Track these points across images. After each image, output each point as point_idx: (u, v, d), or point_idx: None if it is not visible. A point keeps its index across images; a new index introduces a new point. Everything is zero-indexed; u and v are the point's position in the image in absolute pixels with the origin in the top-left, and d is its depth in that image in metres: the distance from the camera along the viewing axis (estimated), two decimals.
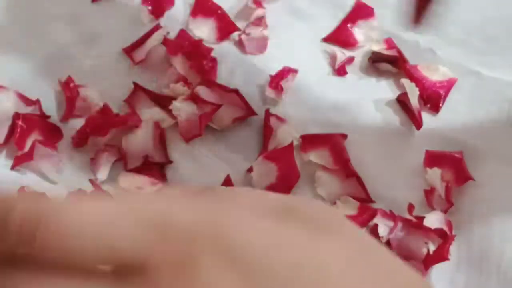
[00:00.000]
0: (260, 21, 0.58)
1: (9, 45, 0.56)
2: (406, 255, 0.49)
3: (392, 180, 0.52)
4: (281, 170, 0.52)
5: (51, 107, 0.53)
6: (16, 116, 0.51)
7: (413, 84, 0.54)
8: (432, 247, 0.49)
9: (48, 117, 0.52)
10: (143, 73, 0.56)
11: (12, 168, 0.50)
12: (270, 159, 0.52)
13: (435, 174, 0.52)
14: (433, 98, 0.55)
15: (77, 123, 0.53)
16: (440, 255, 0.49)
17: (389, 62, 0.56)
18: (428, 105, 0.55)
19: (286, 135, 0.54)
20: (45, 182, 0.51)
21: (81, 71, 0.55)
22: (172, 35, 0.58)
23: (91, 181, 0.50)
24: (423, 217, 0.50)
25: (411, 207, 0.51)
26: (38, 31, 0.56)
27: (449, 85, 0.55)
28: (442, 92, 0.55)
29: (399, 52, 0.56)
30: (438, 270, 0.49)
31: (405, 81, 0.54)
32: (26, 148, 0.50)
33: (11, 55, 0.55)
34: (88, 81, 0.54)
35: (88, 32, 0.57)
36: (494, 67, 0.56)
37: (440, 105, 0.55)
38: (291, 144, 0.52)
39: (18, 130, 0.50)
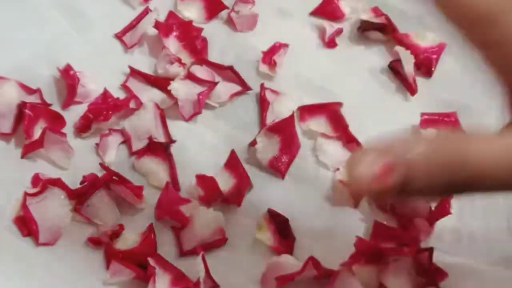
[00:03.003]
0: None
1: (4, 35, 0.56)
2: (411, 214, 0.51)
3: None
4: (283, 142, 0.53)
5: (50, 95, 0.54)
6: (23, 105, 0.51)
7: (408, 51, 0.55)
8: (434, 204, 0.51)
9: (50, 105, 0.53)
10: (137, 57, 0.57)
11: (23, 156, 0.51)
12: (273, 131, 0.53)
13: (431, 135, 0.54)
14: (425, 64, 0.57)
15: (78, 110, 0.53)
16: (443, 210, 0.51)
17: (378, 30, 0.58)
18: (421, 71, 0.56)
19: (283, 107, 0.56)
20: (55, 169, 0.51)
21: (76, 57, 0.55)
22: (162, 17, 0.58)
23: (101, 164, 0.51)
24: None
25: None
26: (32, 20, 0.57)
27: (440, 49, 0.57)
28: (434, 57, 0.57)
29: (388, 19, 0.58)
30: (442, 223, 0.51)
31: (399, 49, 0.56)
32: (35, 136, 0.50)
33: (7, 46, 0.55)
34: (83, 68, 0.55)
35: (81, 19, 0.57)
36: None
37: (433, 69, 0.57)
38: (292, 116, 0.53)
39: (27, 118, 0.50)
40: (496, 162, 0.29)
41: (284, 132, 0.53)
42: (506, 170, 0.29)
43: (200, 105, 0.54)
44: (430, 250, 0.49)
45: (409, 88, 0.56)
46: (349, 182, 0.32)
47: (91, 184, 0.49)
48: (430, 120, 0.54)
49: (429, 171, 0.30)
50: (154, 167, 0.52)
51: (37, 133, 0.51)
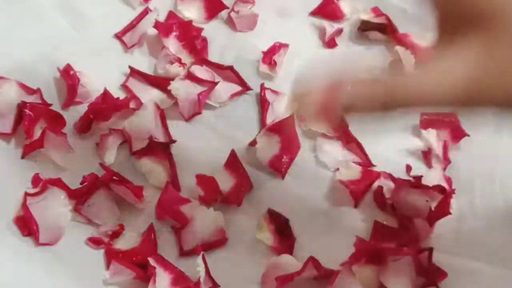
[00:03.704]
0: None
1: (4, 35, 0.56)
2: (411, 214, 0.51)
3: (390, 144, 0.54)
4: (283, 141, 0.53)
5: (50, 95, 0.54)
6: (24, 105, 0.51)
7: (408, 51, 0.55)
8: (434, 204, 0.51)
9: (50, 105, 0.53)
10: (137, 57, 0.57)
11: (23, 156, 0.51)
12: (273, 131, 0.53)
13: (431, 134, 0.54)
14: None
15: (78, 110, 0.53)
16: (443, 210, 0.51)
17: (378, 30, 0.58)
18: None
19: (283, 107, 0.56)
20: (55, 169, 0.51)
21: (77, 58, 0.55)
22: (162, 17, 0.59)
23: (101, 164, 0.51)
24: (421, 176, 0.52)
25: (408, 168, 0.53)
26: (32, 21, 0.57)
27: None
28: None
29: (388, 19, 0.58)
30: (442, 224, 0.51)
31: (399, 49, 0.56)
32: (35, 136, 0.50)
33: (7, 46, 0.55)
34: (84, 68, 0.55)
35: (81, 19, 0.57)
36: None
37: None
38: (292, 116, 0.53)
39: (27, 118, 0.50)
40: (422, 88, 0.34)
41: (284, 132, 0.53)
42: (431, 93, 0.34)
43: (200, 105, 0.54)
44: (430, 250, 0.49)
45: None
46: (300, 104, 0.36)
47: (91, 184, 0.49)
48: (430, 120, 0.54)
49: (372, 91, 0.34)
50: (154, 167, 0.52)
51: (37, 133, 0.51)
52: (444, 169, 0.53)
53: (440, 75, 0.33)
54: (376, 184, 0.52)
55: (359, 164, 0.53)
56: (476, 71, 0.33)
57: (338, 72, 0.35)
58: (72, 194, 0.49)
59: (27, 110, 0.50)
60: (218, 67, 0.56)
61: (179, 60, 0.56)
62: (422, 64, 0.36)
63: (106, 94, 0.54)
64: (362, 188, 0.52)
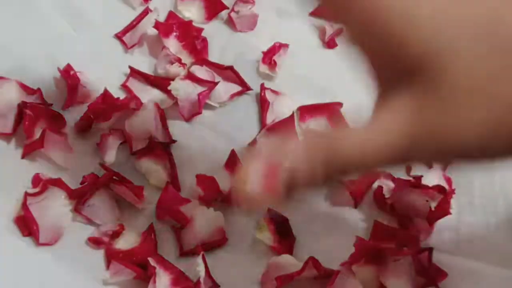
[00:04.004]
0: None
1: (5, 35, 0.56)
2: (411, 214, 0.51)
3: None
4: None
5: (50, 95, 0.54)
6: (24, 105, 0.51)
7: None
8: (434, 204, 0.51)
9: (51, 105, 0.53)
10: (137, 57, 0.57)
11: (23, 156, 0.51)
12: (273, 131, 0.53)
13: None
14: None
15: (79, 110, 0.53)
16: (442, 210, 0.51)
17: None
18: None
19: (283, 107, 0.56)
20: (56, 169, 0.51)
21: (77, 58, 0.55)
22: (162, 18, 0.59)
23: (102, 164, 0.51)
24: (421, 176, 0.52)
25: (408, 168, 0.53)
26: (32, 21, 0.57)
27: None
28: None
29: None
30: (442, 224, 0.51)
31: None
32: (35, 136, 0.50)
33: (7, 46, 0.55)
34: (84, 68, 0.55)
35: (81, 19, 0.57)
36: None
37: None
38: (292, 116, 0.53)
39: (27, 118, 0.50)
40: (361, 150, 0.33)
41: (284, 132, 0.53)
42: (370, 156, 0.33)
43: (200, 105, 0.54)
44: (430, 250, 0.49)
45: None
46: (241, 194, 0.35)
47: (91, 184, 0.49)
48: None
49: (310, 168, 0.34)
50: (154, 167, 0.52)
51: (37, 133, 0.51)
52: (444, 169, 0.53)
53: (376, 134, 0.33)
54: (376, 184, 0.52)
55: None
56: (410, 128, 0.32)
57: (275, 155, 0.35)
58: (72, 194, 0.49)
59: (27, 110, 0.50)
60: (218, 67, 0.56)
61: (179, 60, 0.56)
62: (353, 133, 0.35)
63: (106, 94, 0.54)
64: (362, 188, 0.52)
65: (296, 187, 0.34)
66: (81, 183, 0.50)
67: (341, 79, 0.57)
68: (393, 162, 0.34)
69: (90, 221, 0.49)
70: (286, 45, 0.58)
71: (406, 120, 0.32)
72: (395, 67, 0.33)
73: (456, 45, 0.31)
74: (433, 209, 0.51)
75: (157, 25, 0.57)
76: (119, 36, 0.57)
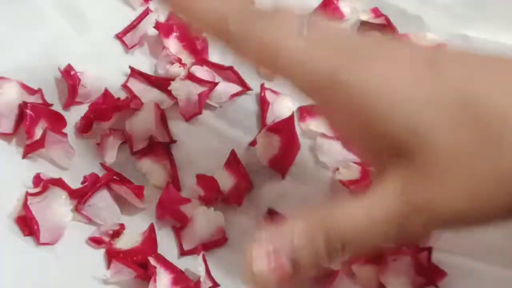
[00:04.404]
0: None
1: (5, 36, 0.56)
2: None
3: None
4: (283, 141, 0.53)
5: (51, 95, 0.54)
6: (25, 105, 0.51)
7: None
8: None
9: (51, 105, 0.53)
10: (138, 57, 0.57)
11: (24, 156, 0.51)
12: (273, 131, 0.53)
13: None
14: None
15: (79, 110, 0.53)
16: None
17: (378, 31, 0.58)
18: None
19: (283, 107, 0.56)
20: (56, 169, 0.51)
21: (77, 58, 0.55)
22: (162, 18, 0.59)
23: (102, 164, 0.51)
24: None
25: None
26: (33, 21, 0.57)
27: None
28: None
29: (387, 20, 0.58)
30: None
31: None
32: (36, 136, 0.51)
33: (8, 46, 0.55)
34: (84, 68, 0.55)
35: (81, 20, 0.58)
36: (479, 30, 0.58)
37: None
38: (292, 116, 0.54)
39: (28, 118, 0.50)
40: (356, 226, 0.34)
41: (284, 132, 0.53)
42: (364, 232, 0.34)
43: (200, 105, 0.54)
44: (429, 249, 0.49)
45: None
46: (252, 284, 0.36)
47: (92, 184, 0.49)
48: None
49: (311, 249, 0.35)
50: (155, 167, 0.52)
51: (38, 133, 0.51)
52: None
53: (372, 209, 0.35)
54: None
55: (359, 164, 0.53)
56: (404, 205, 0.34)
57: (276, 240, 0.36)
58: (73, 194, 0.49)
59: (28, 110, 0.51)
60: (218, 68, 0.56)
61: (179, 61, 0.56)
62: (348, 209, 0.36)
63: (106, 94, 0.54)
64: (362, 188, 0.52)
65: (303, 268, 0.35)
66: (81, 183, 0.50)
67: None
68: (390, 236, 0.35)
69: (90, 221, 0.50)
70: None
71: (399, 198, 0.34)
72: (381, 150, 0.35)
73: (432, 126, 0.33)
74: None
75: (157, 25, 0.57)
76: (119, 37, 0.57)
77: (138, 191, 0.50)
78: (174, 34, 0.57)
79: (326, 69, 0.35)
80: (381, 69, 0.35)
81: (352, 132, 0.37)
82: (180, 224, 0.50)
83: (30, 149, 0.51)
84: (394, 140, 0.34)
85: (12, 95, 0.52)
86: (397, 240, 0.38)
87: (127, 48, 0.57)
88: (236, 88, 0.56)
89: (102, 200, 0.50)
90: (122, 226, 0.49)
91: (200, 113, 0.54)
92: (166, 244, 0.50)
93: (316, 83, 0.36)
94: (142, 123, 0.53)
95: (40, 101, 0.53)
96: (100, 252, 0.49)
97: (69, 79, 0.54)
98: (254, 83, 0.56)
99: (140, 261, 0.48)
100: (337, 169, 0.53)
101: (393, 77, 0.34)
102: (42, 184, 0.49)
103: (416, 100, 0.34)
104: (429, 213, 0.34)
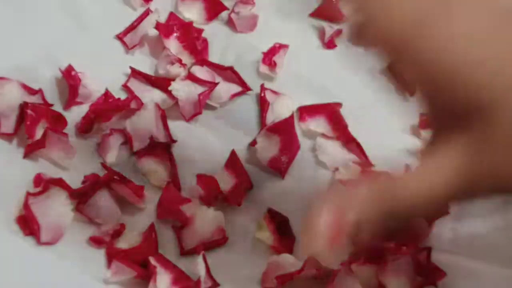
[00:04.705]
0: None
1: (6, 36, 0.56)
2: None
3: (390, 144, 0.55)
4: (283, 141, 0.53)
5: (52, 95, 0.54)
6: (25, 105, 0.51)
7: None
8: None
9: (52, 105, 0.53)
10: (138, 57, 0.57)
11: (25, 156, 0.51)
12: (273, 132, 0.53)
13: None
14: None
15: (80, 110, 0.54)
16: (441, 210, 0.51)
17: None
18: None
19: (283, 107, 0.56)
20: (57, 169, 0.51)
21: (78, 58, 0.55)
22: (162, 18, 0.59)
23: (103, 164, 0.51)
24: None
25: (407, 168, 0.53)
26: (34, 21, 0.57)
27: None
28: None
29: None
30: (441, 223, 0.51)
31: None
32: (37, 136, 0.51)
33: (9, 46, 0.55)
34: (85, 69, 0.55)
35: (82, 20, 0.58)
36: None
37: None
38: (292, 116, 0.54)
39: (29, 118, 0.51)
40: (415, 192, 0.34)
41: (284, 132, 0.54)
42: (423, 197, 0.34)
43: (200, 105, 0.54)
44: (429, 249, 0.49)
45: (408, 88, 0.56)
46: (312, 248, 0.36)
47: (92, 184, 0.50)
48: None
49: (375, 220, 0.35)
50: (155, 167, 0.52)
51: (39, 133, 0.51)
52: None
53: (434, 176, 0.34)
54: None
55: (359, 164, 0.54)
56: (470, 167, 0.33)
57: (339, 205, 0.35)
58: (73, 193, 0.49)
59: (29, 111, 0.51)
60: (218, 68, 0.56)
61: (179, 61, 0.56)
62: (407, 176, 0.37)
63: (107, 94, 0.54)
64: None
65: (361, 239, 0.35)
66: (82, 183, 0.50)
67: (341, 79, 0.57)
68: (452, 201, 0.35)
69: (91, 221, 0.50)
70: (286, 46, 0.58)
71: (465, 161, 0.33)
72: (453, 110, 0.33)
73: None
74: None
75: (158, 26, 0.58)
76: (120, 37, 0.58)
77: (139, 191, 0.50)
78: (175, 34, 0.57)
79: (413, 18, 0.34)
80: (461, 22, 0.33)
81: (427, 86, 0.35)
82: (180, 224, 0.50)
83: (31, 149, 0.51)
84: (471, 97, 0.32)
85: (13, 95, 0.52)
86: (457, 202, 0.38)
87: (128, 48, 0.57)
88: (236, 88, 0.57)
89: (103, 200, 0.50)
90: (122, 226, 0.49)
91: (200, 113, 0.55)
92: (166, 244, 0.50)
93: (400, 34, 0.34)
94: (142, 123, 0.54)
95: (40, 101, 0.53)
96: (101, 252, 0.49)
97: (70, 79, 0.54)
98: (254, 83, 0.57)
99: (141, 260, 0.48)
100: (337, 169, 0.53)
101: (474, 32, 0.33)
102: (43, 184, 0.49)
103: (498, 57, 0.32)
104: (494, 179, 0.33)
